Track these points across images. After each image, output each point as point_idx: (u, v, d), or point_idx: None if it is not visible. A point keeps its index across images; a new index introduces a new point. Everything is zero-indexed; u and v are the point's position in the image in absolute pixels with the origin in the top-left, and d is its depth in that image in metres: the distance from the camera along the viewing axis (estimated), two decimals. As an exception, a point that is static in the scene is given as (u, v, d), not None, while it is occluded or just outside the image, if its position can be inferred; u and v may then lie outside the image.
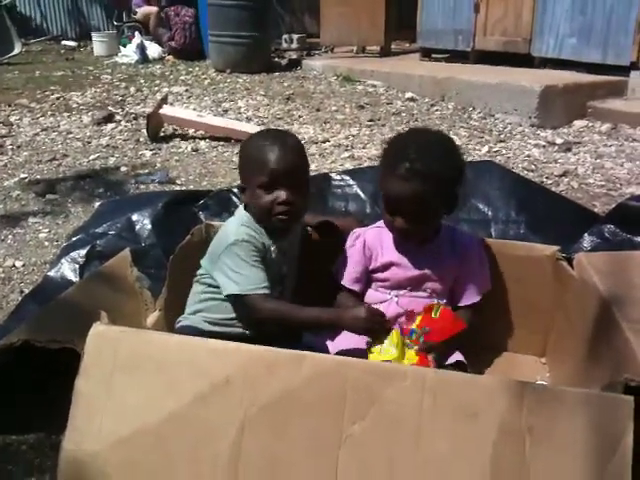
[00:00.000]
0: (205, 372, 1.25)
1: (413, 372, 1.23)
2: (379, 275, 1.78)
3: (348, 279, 1.81)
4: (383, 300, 1.76)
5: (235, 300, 1.64)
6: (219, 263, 1.65)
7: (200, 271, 1.75)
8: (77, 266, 2.23)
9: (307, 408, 1.20)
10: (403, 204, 1.65)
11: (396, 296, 1.76)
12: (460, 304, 1.79)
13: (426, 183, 1.60)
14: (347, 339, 1.69)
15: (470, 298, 1.79)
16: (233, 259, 1.62)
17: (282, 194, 1.62)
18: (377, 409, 1.17)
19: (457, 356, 1.68)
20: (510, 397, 1.15)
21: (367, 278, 1.81)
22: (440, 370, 1.44)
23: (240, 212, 1.74)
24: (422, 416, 1.15)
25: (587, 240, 2.17)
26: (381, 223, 1.78)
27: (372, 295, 1.80)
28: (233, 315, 1.69)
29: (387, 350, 1.58)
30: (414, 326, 1.66)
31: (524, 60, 6.00)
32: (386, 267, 1.77)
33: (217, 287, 1.68)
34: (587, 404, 1.14)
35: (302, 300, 1.65)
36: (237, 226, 1.68)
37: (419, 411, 1.16)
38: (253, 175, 1.65)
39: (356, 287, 1.80)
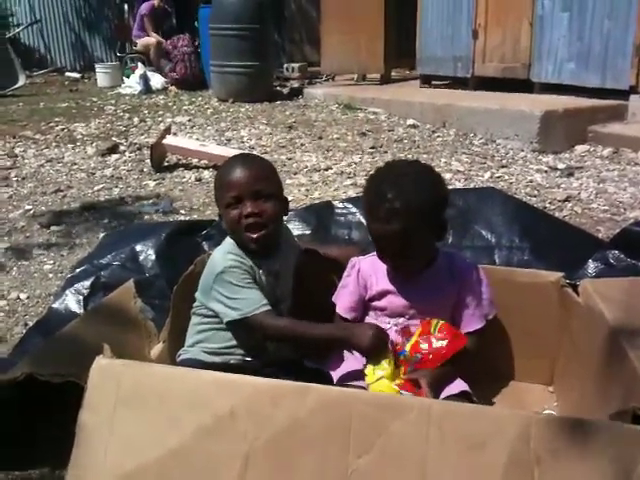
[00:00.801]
0: (209, 405, 1.24)
1: (419, 404, 1.22)
2: (377, 303, 1.78)
3: (343, 308, 1.81)
4: (383, 329, 1.75)
5: (238, 326, 1.64)
6: (213, 293, 1.65)
7: (195, 303, 1.75)
8: (81, 297, 2.23)
9: (312, 441, 1.18)
10: (389, 243, 1.65)
11: (395, 324, 1.74)
12: (462, 331, 1.76)
13: (408, 220, 1.59)
14: (349, 365, 1.69)
15: (472, 324, 1.76)
16: (226, 287, 1.62)
17: (247, 206, 1.62)
18: (383, 442, 1.15)
19: (462, 386, 1.65)
20: (518, 428, 1.14)
21: (363, 307, 1.81)
22: (446, 401, 1.42)
23: (226, 241, 1.74)
24: (428, 448, 1.14)
25: (591, 266, 2.16)
26: None
27: (371, 324, 1.79)
28: (232, 343, 1.68)
29: (381, 367, 1.58)
30: (407, 347, 1.65)
31: (523, 85, 6.02)
32: (382, 295, 1.76)
33: (212, 317, 1.68)
34: (596, 434, 1.12)
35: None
36: (223, 254, 1.68)
37: (425, 443, 1.14)
38: (222, 197, 1.67)
39: (351, 316, 1.80)
